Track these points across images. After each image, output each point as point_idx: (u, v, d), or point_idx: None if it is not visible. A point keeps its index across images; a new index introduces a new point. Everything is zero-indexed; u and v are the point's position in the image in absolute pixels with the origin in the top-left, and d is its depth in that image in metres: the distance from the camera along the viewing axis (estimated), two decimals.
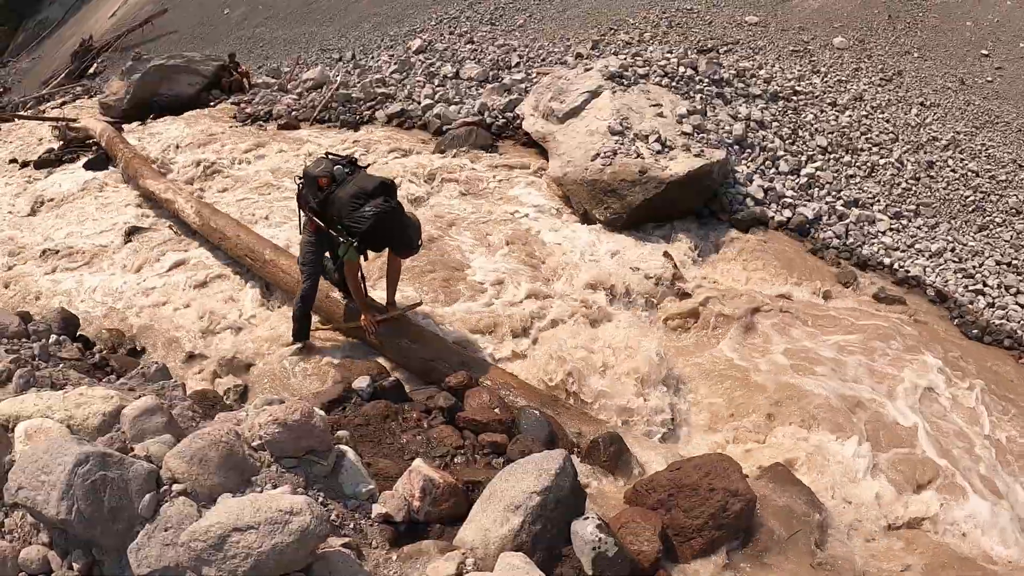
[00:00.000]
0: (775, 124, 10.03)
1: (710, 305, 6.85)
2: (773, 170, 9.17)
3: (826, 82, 11.33)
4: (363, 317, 5.96)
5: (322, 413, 3.74)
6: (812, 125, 10.15)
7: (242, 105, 15.22)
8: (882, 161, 9.51)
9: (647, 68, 10.72)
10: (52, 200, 11.65)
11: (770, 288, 7.19)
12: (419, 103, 12.47)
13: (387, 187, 5.57)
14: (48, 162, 13.69)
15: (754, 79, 11.05)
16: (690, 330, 6.72)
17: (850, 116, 10.42)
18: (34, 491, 3.03)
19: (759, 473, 4.68)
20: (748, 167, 9.08)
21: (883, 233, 8.27)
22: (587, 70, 10.46)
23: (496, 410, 5.06)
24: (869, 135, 10.04)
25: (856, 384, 5.97)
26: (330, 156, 5.97)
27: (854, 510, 4.82)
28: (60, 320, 6.45)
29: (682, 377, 6.04)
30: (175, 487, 3.18)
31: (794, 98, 10.76)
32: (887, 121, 10.39)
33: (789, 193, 8.74)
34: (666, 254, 7.49)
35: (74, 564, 3.11)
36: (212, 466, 3.23)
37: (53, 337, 5.67)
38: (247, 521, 2.82)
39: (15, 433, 3.56)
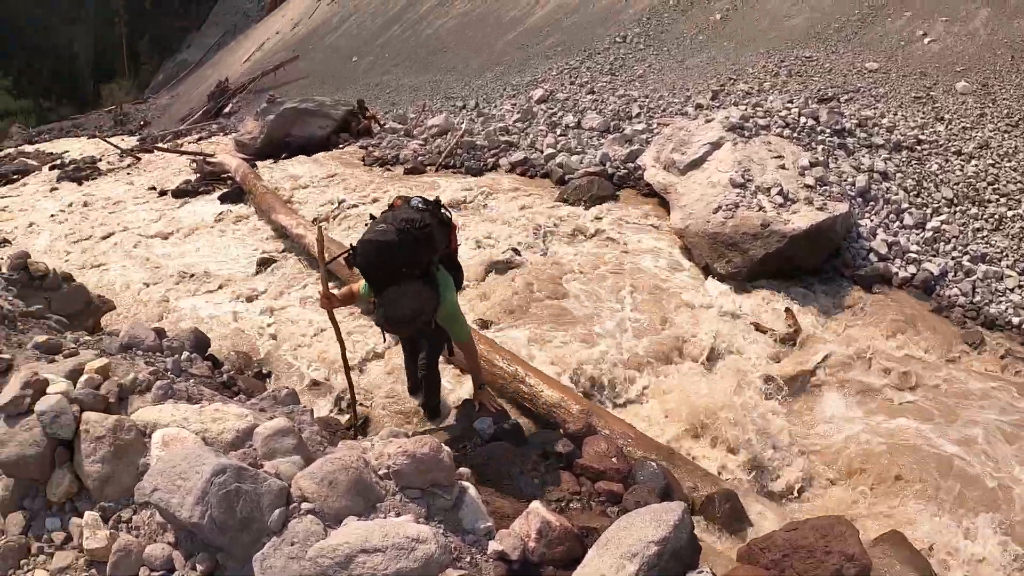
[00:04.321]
0: (899, 175, 9.92)
1: (830, 365, 6.80)
2: (897, 224, 9.06)
3: (950, 130, 11.15)
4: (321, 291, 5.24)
5: (449, 449, 3.82)
6: (937, 176, 9.99)
7: (370, 149, 15.91)
8: (1010, 213, 9.26)
9: (768, 119, 10.78)
10: (188, 227, 12.52)
11: (893, 349, 7.08)
12: (542, 152, 12.84)
13: (403, 220, 4.73)
14: (185, 192, 14.74)
15: (876, 128, 10.97)
16: (808, 389, 6.66)
17: (976, 165, 10.20)
18: (169, 494, 3.24)
19: (875, 540, 4.64)
20: (871, 220, 9.01)
21: (1011, 291, 8.01)
22: (708, 121, 10.59)
23: (614, 459, 5.08)
24: (996, 185, 9.80)
25: (981, 456, 5.76)
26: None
27: None
28: (192, 338, 6.72)
29: (799, 437, 6.02)
30: (304, 505, 3.31)
31: (918, 147, 10.62)
32: (1015, 170, 10.13)
33: (914, 248, 8.61)
34: (788, 311, 7.50)
35: (198, 566, 3.29)
36: (341, 489, 3.37)
37: (185, 354, 5.79)
38: (375, 544, 2.97)
39: (152, 439, 3.79)
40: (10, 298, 6.28)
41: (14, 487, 3.90)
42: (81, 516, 3.69)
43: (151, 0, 65.58)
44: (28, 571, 3.62)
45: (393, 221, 4.74)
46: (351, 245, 4.83)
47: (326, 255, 5.31)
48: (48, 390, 3.97)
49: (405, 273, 4.68)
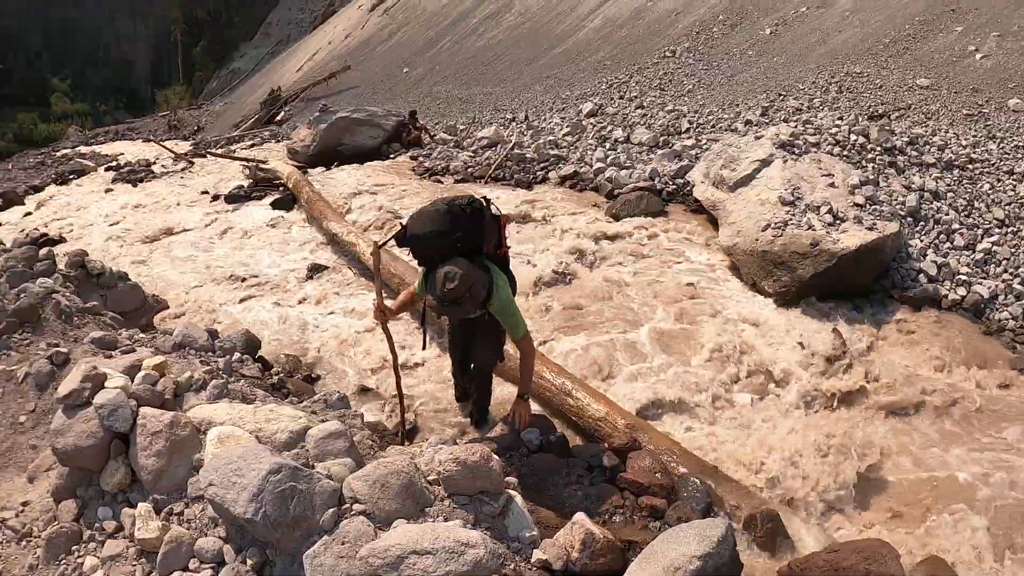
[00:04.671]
0: (950, 195, 9.75)
1: (878, 387, 6.68)
2: (947, 244, 8.89)
3: (1002, 148, 10.94)
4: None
5: (498, 458, 3.92)
6: (988, 196, 9.79)
7: (420, 159, 16.07)
8: None
9: (818, 136, 10.70)
10: (240, 231, 12.70)
11: (941, 372, 6.95)
12: (591, 166, 12.88)
13: (453, 198, 4.94)
14: (238, 197, 14.91)
15: (928, 146, 10.82)
16: (856, 410, 6.54)
17: None
18: (224, 490, 3.37)
19: (917, 564, 4.61)
20: (921, 241, 8.87)
21: None
22: (758, 138, 10.52)
23: (657, 474, 5.09)
24: None
25: None
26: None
27: None
28: (244, 340, 6.78)
29: (845, 457, 5.85)
30: (356, 507, 3.45)
31: (969, 167, 10.44)
32: None
33: (964, 270, 8.43)
34: (835, 331, 7.41)
35: (248, 560, 3.40)
36: (391, 492, 3.50)
37: (236, 355, 5.85)
38: (426, 546, 3.08)
39: (207, 436, 3.94)
40: (68, 294, 6.43)
41: (68, 476, 4.04)
42: (133, 507, 3.83)
43: (207, 11, 67.18)
44: (79, 557, 3.75)
45: (447, 201, 4.91)
46: (401, 224, 4.97)
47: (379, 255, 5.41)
48: (106, 384, 4.10)
49: (457, 248, 4.73)
